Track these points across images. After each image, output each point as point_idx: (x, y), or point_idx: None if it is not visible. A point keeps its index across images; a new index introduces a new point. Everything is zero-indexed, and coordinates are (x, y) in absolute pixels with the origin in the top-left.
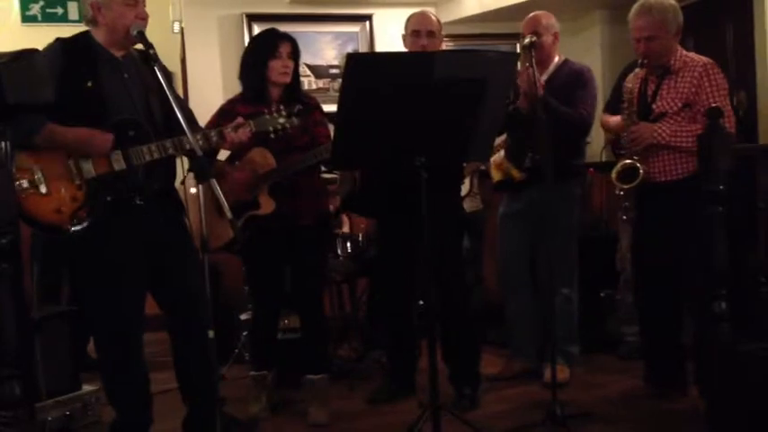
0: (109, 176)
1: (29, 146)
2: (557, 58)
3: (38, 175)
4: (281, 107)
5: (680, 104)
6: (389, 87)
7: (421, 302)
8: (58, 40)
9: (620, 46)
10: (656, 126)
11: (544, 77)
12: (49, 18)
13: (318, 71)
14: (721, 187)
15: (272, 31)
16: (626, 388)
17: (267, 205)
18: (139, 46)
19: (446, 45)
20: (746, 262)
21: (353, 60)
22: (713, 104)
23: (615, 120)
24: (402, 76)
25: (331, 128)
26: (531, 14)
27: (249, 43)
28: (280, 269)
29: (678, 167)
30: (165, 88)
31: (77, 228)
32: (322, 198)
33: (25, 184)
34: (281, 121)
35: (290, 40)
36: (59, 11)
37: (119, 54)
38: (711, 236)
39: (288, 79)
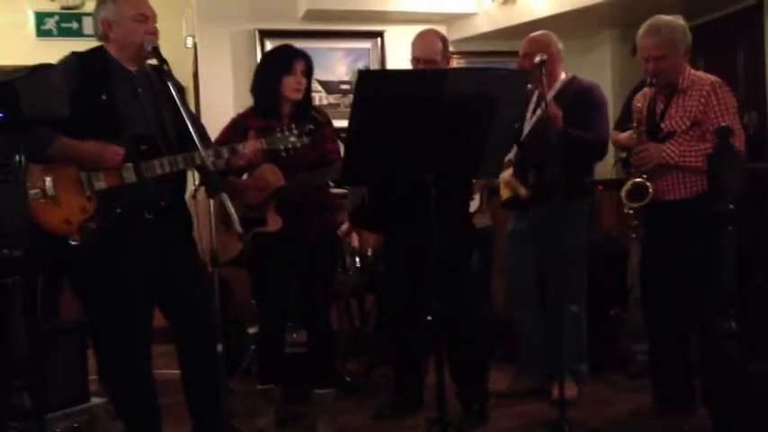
0: (119, 189)
1: (40, 159)
2: (563, 75)
3: (48, 185)
4: (293, 126)
5: (688, 123)
6: (400, 104)
7: (429, 318)
8: (73, 53)
9: (629, 65)
10: (664, 146)
11: (551, 94)
12: (64, 33)
13: (330, 87)
14: (731, 206)
15: (288, 48)
16: (635, 407)
17: (274, 222)
18: (153, 61)
19: (457, 62)
20: (755, 280)
21: (365, 77)
22: (722, 123)
23: (626, 135)
24: (413, 92)
25: (341, 144)
26: (528, 36)
27: (264, 57)
28: (285, 283)
29: (687, 186)
30: (178, 103)
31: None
32: (330, 213)
33: (36, 192)
34: (293, 140)
35: (306, 57)
36: (74, 25)
37: (132, 69)
38: (720, 254)
39: (300, 96)
